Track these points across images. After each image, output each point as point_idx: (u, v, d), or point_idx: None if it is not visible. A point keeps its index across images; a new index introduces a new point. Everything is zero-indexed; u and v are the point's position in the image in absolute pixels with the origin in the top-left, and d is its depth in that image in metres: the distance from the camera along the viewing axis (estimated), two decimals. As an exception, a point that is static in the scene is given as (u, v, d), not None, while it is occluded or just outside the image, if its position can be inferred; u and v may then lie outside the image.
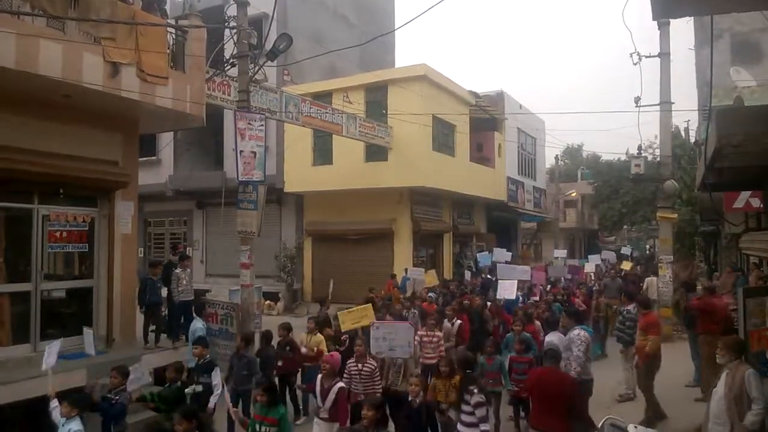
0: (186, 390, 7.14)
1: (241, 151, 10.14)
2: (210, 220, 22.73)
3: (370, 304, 9.39)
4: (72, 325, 9.65)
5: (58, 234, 9.30)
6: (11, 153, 8.27)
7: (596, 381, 9.25)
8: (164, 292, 11.05)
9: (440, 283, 15.96)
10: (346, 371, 7.60)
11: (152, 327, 10.71)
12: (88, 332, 8.01)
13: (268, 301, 19.11)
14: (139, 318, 10.66)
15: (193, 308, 10.63)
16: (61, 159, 8.93)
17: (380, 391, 7.44)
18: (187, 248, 21.74)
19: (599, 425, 5.95)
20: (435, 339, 9.31)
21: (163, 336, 10.86)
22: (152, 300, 10.56)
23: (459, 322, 10.54)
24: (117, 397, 6.54)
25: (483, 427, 5.85)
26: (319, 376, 6.76)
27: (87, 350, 7.86)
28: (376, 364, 7.61)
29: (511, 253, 20.18)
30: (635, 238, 54.12)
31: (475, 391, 5.96)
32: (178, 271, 11.00)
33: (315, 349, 9.17)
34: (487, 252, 21.16)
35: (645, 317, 9.06)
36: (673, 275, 15.59)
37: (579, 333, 7.89)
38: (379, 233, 20.12)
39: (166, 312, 11.06)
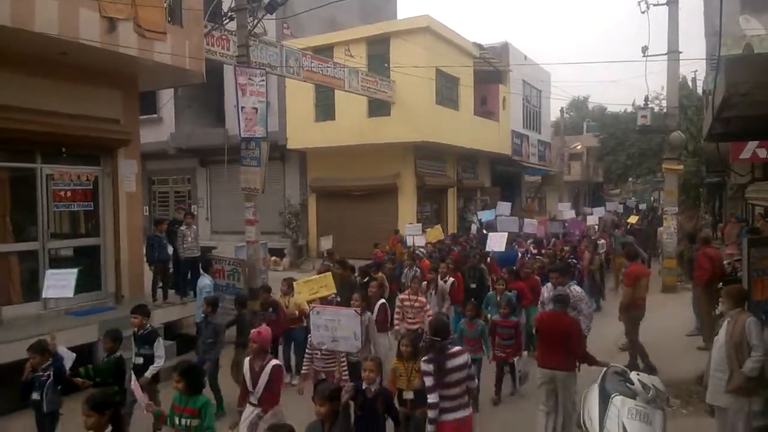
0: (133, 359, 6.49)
1: (242, 108, 10.05)
2: (214, 177, 22.73)
3: (329, 273, 8.35)
4: (81, 283, 9.79)
5: (62, 193, 9.34)
6: (12, 112, 8.23)
7: (599, 330, 9.45)
8: (170, 249, 11.16)
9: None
10: (308, 346, 6.87)
11: (160, 283, 10.86)
12: (52, 273, 7.31)
13: (273, 257, 19.27)
14: (147, 275, 10.80)
15: (200, 265, 10.74)
16: (61, 117, 8.89)
17: (343, 368, 6.65)
18: (192, 206, 21.82)
19: (602, 373, 6.07)
20: (417, 304, 8.49)
21: (171, 292, 11.02)
22: (161, 257, 10.66)
23: (452, 280, 9.81)
24: (45, 373, 5.87)
25: (430, 398, 5.09)
26: (248, 358, 5.76)
27: (63, 293, 7.08)
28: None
29: (510, 204, 20.14)
30: (640, 190, 54.05)
31: (423, 359, 5.26)
32: (182, 228, 11.07)
33: (296, 312, 8.65)
34: (489, 209, 21.10)
35: (628, 268, 9.21)
36: (677, 226, 15.61)
37: (580, 290, 7.86)
38: (384, 189, 20.09)
39: (172, 269, 11.19)
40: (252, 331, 5.88)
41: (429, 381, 5.07)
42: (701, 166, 23.61)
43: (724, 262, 10.39)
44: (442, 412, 5.04)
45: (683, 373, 8.19)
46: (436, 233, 15.42)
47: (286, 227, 21.16)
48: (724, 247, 14.57)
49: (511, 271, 9.88)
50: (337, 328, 6.08)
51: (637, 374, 5.51)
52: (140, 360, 6.59)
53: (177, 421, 4.90)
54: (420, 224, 16.41)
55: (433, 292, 9.55)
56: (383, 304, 8.20)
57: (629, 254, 9.74)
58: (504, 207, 19.04)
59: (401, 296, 8.88)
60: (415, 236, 14.69)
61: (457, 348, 5.34)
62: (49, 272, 7.41)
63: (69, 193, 9.45)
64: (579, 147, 41.01)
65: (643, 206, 33.54)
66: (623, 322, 9.03)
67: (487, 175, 26.31)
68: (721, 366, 5.50)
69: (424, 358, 5.21)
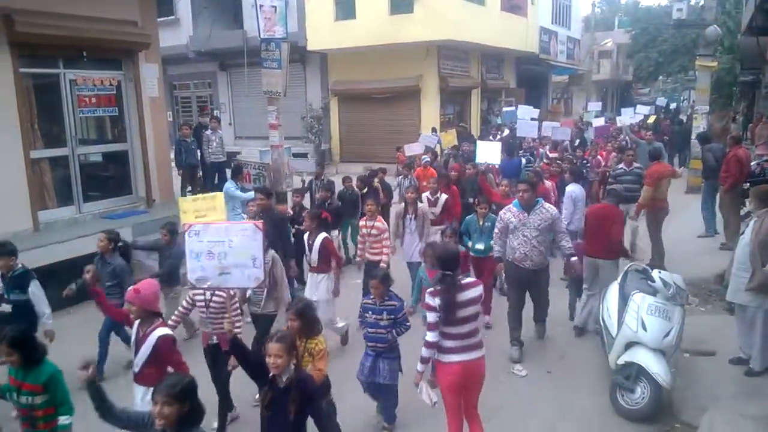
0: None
1: (260, 6, 9.79)
2: (234, 81, 22.47)
3: (220, 194, 6.68)
4: (112, 187, 10.07)
5: (87, 99, 9.37)
6: (30, 16, 8.12)
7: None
8: (199, 154, 11.29)
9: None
10: (188, 298, 5.06)
11: (189, 187, 11.08)
12: None
13: (297, 162, 19.34)
14: (177, 179, 10.98)
15: (229, 171, 10.86)
16: (79, 20, 8.74)
17: (237, 320, 4.40)
18: (215, 111, 21.75)
19: (623, 272, 6.21)
20: (374, 231, 7.03)
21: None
22: (189, 161, 10.80)
23: (445, 196, 8.29)
24: None
25: (429, 336, 4.28)
26: (137, 322, 4.22)
27: None
28: (232, 292, 4.25)
29: (538, 110, 19.52)
30: (670, 89, 52.18)
31: (429, 291, 4.38)
32: (208, 132, 11.14)
33: None
34: (513, 108, 20.59)
35: (650, 168, 9.13)
36: (707, 126, 15.25)
37: (553, 209, 7.44)
38: (406, 91, 19.71)
39: (201, 173, 11.37)
40: (129, 289, 4.28)
41: (431, 317, 4.25)
42: (736, 63, 22.62)
43: (753, 162, 10.21)
44: (449, 352, 4.26)
45: (703, 272, 8.29)
46: (449, 138, 15.14)
47: (309, 132, 21.08)
48: (754, 148, 14.27)
49: (511, 184, 8.32)
50: (227, 254, 4.06)
51: (659, 272, 5.63)
52: (8, 308, 5.43)
53: (16, 397, 3.87)
54: (435, 136, 15.86)
55: (413, 216, 7.57)
56: (326, 238, 6.53)
57: (651, 154, 9.63)
58: (526, 111, 18.40)
59: (360, 222, 7.33)
60: (427, 144, 14.23)
61: (470, 280, 4.49)
62: None
63: (93, 99, 9.47)
64: (609, 44, 39.30)
65: (673, 105, 32.22)
66: (646, 222, 9.09)
67: (512, 75, 25.54)
68: (744, 264, 5.56)
69: (429, 290, 4.35)
